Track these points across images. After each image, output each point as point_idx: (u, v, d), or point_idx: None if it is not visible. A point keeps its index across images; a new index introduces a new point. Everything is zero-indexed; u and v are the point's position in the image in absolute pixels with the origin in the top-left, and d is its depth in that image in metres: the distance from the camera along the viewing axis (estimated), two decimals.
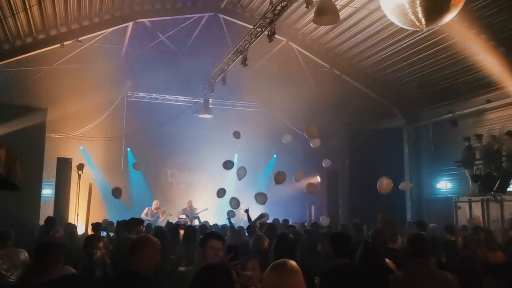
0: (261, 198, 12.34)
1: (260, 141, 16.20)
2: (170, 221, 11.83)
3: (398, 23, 3.86)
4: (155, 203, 14.33)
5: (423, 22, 3.60)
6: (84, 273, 3.53)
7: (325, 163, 14.46)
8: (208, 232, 3.58)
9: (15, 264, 4.27)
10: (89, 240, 4.57)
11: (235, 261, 2.58)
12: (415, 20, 3.60)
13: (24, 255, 4.77)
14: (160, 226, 8.12)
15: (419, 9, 3.48)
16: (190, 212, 14.15)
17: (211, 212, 14.56)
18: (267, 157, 17.20)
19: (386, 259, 4.29)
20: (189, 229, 6.09)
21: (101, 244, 4.60)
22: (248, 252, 4.56)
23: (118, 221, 9.04)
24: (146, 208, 14.05)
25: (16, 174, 4.97)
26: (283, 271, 2.26)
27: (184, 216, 12.73)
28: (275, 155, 17.32)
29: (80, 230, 11.60)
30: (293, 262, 2.34)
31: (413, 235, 3.79)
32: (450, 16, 3.62)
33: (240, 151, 16.72)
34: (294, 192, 16.14)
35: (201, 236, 3.55)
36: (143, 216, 13.01)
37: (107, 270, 3.69)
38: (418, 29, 3.87)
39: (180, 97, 15.91)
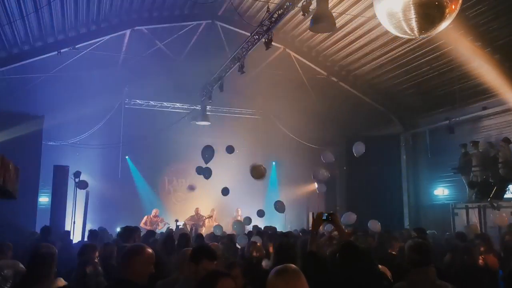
0: (280, 206, 12.27)
1: (258, 148, 16.21)
2: (170, 227, 11.79)
3: (393, 31, 3.88)
4: (154, 211, 14.26)
5: (416, 30, 3.63)
6: (77, 283, 3.49)
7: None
8: (203, 249, 3.31)
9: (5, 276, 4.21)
10: (84, 250, 4.53)
11: None
12: (408, 28, 3.63)
13: (17, 266, 4.69)
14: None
15: (412, 18, 3.50)
16: (197, 220, 14.14)
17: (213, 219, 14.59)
18: (264, 164, 17.17)
19: (382, 265, 4.28)
20: (181, 237, 6.05)
21: (96, 254, 4.57)
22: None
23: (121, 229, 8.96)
24: (145, 216, 13.98)
25: (11, 182, 4.94)
26: (288, 275, 2.27)
27: (181, 224, 12.67)
28: (273, 162, 17.29)
29: (77, 238, 11.57)
30: (293, 266, 2.37)
31: (415, 243, 3.64)
32: (443, 25, 3.64)
33: (237, 158, 16.72)
34: (293, 198, 16.14)
35: (193, 250, 3.39)
36: (141, 225, 12.94)
37: (100, 279, 3.65)
38: (412, 37, 3.89)
39: (177, 104, 15.92)
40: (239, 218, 15.22)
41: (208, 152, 12.43)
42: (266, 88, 14.07)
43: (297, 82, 13.96)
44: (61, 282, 3.20)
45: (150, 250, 3.08)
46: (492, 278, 5.14)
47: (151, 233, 8.24)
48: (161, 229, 13.38)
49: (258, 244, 5.52)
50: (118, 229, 9.66)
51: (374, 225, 9.32)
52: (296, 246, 4.43)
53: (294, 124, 15.23)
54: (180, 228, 12.12)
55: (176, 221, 13.12)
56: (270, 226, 10.52)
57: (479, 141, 11.52)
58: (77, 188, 12.81)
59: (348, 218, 10.72)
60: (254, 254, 4.86)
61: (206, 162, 12.60)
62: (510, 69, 10.13)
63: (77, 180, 12.94)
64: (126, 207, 14.36)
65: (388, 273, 4.12)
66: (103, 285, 3.77)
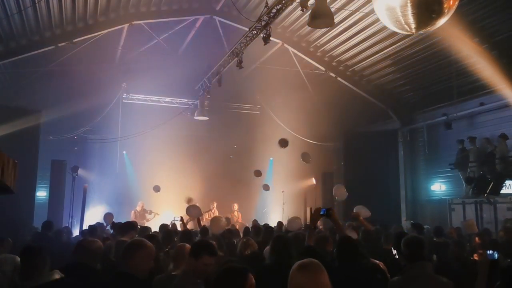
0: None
1: (256, 143, 16.22)
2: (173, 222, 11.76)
3: (391, 26, 3.89)
4: (140, 205, 14.25)
5: (414, 26, 3.64)
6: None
7: None
8: (203, 245, 3.30)
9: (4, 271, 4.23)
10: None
11: None
12: (405, 24, 3.64)
13: (17, 260, 4.70)
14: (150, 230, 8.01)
15: (409, 14, 3.52)
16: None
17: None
18: (262, 159, 17.20)
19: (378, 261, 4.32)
20: (184, 233, 6.07)
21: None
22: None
23: (113, 223, 8.98)
24: (132, 212, 13.96)
25: (9, 176, 4.95)
26: (311, 269, 2.29)
27: (178, 218, 12.65)
28: (271, 158, 17.29)
29: (74, 233, 11.57)
30: (315, 260, 2.38)
31: (410, 238, 3.69)
32: (441, 21, 3.65)
33: (235, 153, 16.74)
34: (290, 193, 16.19)
35: (194, 245, 3.41)
36: (132, 219, 12.92)
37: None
38: (410, 33, 3.90)
39: (175, 99, 15.90)
40: (235, 213, 15.26)
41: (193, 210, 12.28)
42: (264, 83, 14.07)
43: (295, 77, 13.96)
44: (58, 274, 3.22)
45: (151, 245, 3.10)
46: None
47: (145, 228, 8.21)
48: (149, 221, 13.37)
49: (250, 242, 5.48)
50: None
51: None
52: (293, 241, 4.43)
53: (292, 119, 15.23)
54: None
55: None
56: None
57: (476, 137, 11.56)
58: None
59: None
60: (247, 252, 4.86)
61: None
62: (507, 65, 10.15)
63: (75, 174, 12.94)
64: (124, 202, 14.36)
65: (383, 267, 4.16)
66: (100, 278, 3.76)
